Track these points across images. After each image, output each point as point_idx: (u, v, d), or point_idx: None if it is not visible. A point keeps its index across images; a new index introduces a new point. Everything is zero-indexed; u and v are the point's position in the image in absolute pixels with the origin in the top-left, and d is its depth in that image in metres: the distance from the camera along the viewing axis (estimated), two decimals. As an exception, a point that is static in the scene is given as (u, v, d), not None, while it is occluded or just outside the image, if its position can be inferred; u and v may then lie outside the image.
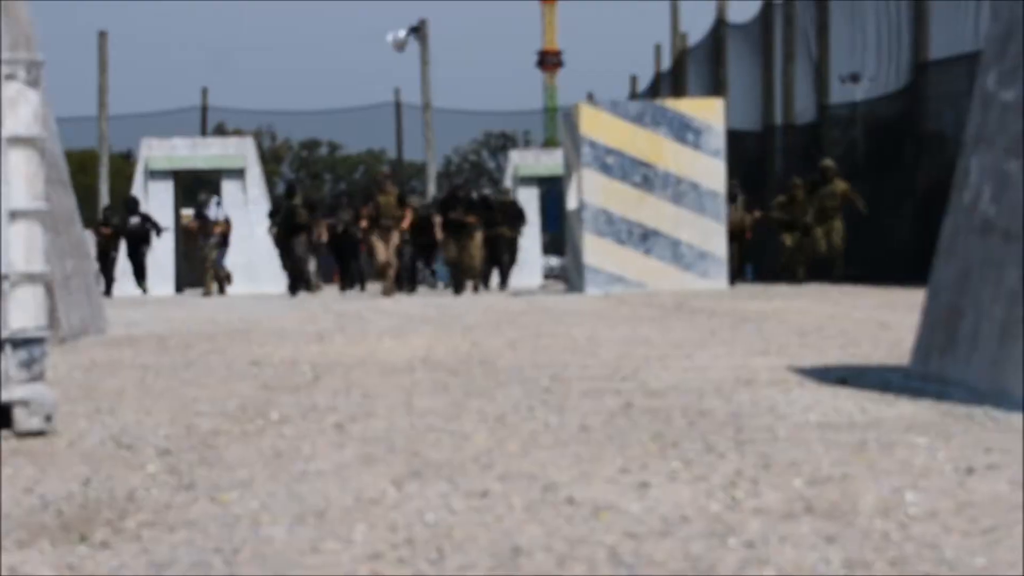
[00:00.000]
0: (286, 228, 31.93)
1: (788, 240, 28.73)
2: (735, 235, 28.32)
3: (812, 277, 28.22)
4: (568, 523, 4.24)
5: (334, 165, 79.90)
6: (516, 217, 34.51)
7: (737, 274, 29.08)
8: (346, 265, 38.22)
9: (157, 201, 41.81)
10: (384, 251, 29.64)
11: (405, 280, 33.59)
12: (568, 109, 30.11)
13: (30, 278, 6.20)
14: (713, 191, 25.33)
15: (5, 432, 6.08)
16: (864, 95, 29.63)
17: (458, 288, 30.84)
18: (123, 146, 53.81)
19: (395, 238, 30.00)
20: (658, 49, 47.05)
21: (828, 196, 27.62)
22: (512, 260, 35.43)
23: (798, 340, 11.22)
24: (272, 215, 34.11)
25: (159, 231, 38.02)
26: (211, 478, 5.09)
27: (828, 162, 28.25)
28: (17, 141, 6.14)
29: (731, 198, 28.40)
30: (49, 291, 11.21)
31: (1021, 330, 6.88)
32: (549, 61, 78.38)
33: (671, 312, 16.04)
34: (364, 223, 30.72)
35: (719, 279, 25.46)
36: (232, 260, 36.24)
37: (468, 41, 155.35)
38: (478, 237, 31.72)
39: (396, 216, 29.77)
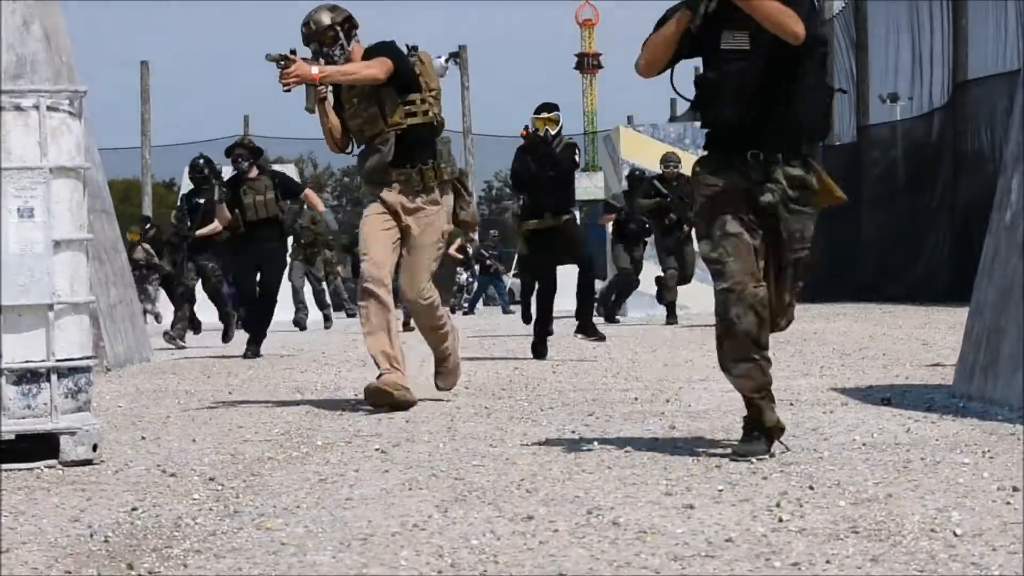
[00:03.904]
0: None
1: None
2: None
3: (855, 296, 28.11)
4: (613, 546, 4.24)
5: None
6: None
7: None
8: None
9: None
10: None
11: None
12: (608, 133, 30.02)
13: (75, 307, 6.24)
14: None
15: (52, 461, 6.11)
16: (903, 114, 29.57)
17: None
18: (166, 175, 53.89)
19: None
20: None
21: None
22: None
23: (840, 361, 11.20)
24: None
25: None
26: (256, 504, 5.11)
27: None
28: (61, 171, 6.18)
29: None
30: (94, 320, 11.27)
31: (1065, 348, 6.86)
32: (589, 64, 78.29)
33: (712, 334, 15.96)
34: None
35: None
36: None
37: (508, 67, 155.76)
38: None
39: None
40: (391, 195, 8.65)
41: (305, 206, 20.81)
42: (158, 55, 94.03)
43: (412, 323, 20.38)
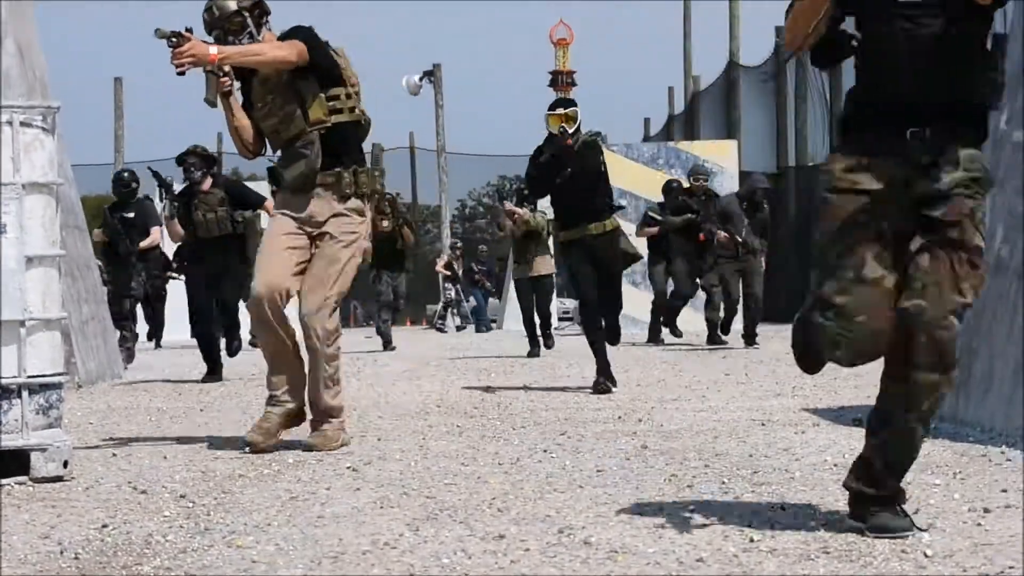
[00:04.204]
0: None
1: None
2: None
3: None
4: (584, 565, 4.24)
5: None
6: None
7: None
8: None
9: (174, 247, 41.75)
10: None
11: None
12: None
13: (47, 323, 6.23)
14: (729, 233, 25.32)
15: (22, 478, 6.09)
16: (877, 136, 29.63)
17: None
18: (139, 192, 53.87)
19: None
20: (671, 91, 47.14)
21: None
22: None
23: (812, 381, 11.20)
24: None
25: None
26: (227, 522, 5.10)
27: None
28: (34, 187, 6.17)
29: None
30: (66, 336, 11.22)
31: (1036, 370, 6.88)
32: (563, 81, 78.52)
33: (685, 354, 16.02)
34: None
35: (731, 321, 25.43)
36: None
37: (482, 85, 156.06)
38: None
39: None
40: (313, 205, 7.46)
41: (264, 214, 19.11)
42: (131, 71, 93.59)
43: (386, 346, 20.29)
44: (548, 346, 17.40)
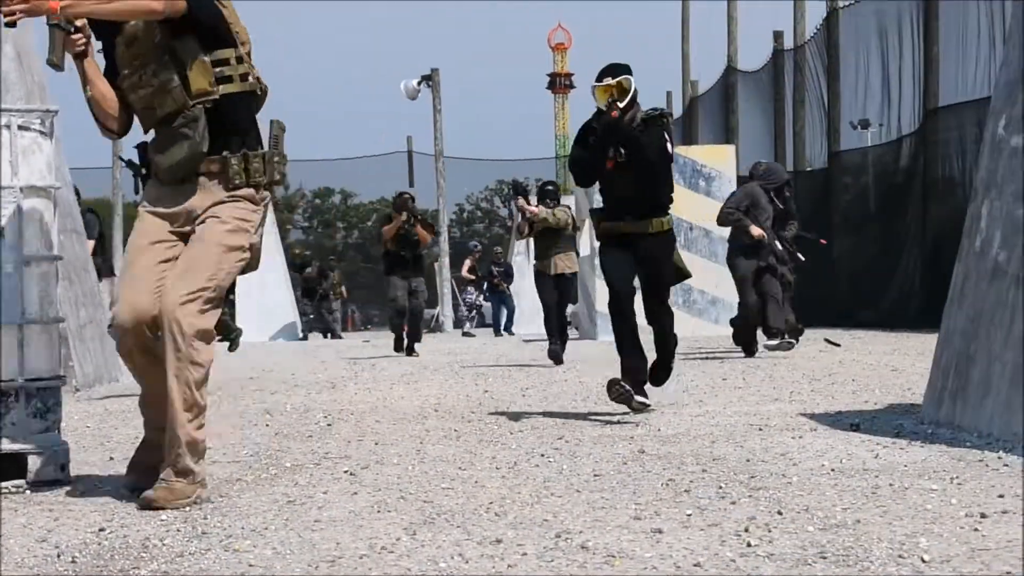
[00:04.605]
0: None
1: None
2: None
3: (825, 322, 28.17)
4: (582, 570, 4.24)
5: (347, 213, 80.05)
6: None
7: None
8: None
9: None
10: None
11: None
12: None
13: (45, 327, 6.22)
14: (724, 238, 25.32)
15: (19, 481, 6.08)
16: (874, 141, 29.65)
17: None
18: (136, 195, 53.71)
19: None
20: (669, 96, 47.19)
21: None
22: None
23: (809, 386, 11.21)
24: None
25: None
26: (225, 526, 5.10)
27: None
28: (32, 190, 6.17)
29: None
30: (64, 340, 11.24)
31: (1033, 375, 6.88)
32: (561, 83, 78.40)
33: (682, 359, 16.01)
34: None
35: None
36: (244, 309, 36.25)
37: (480, 90, 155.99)
38: None
39: None
40: (194, 199, 5.85)
41: None
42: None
43: (409, 352, 19.89)
44: (554, 353, 15.95)
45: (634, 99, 9.09)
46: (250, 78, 5.92)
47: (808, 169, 32.20)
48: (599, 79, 9.12)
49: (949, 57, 25.52)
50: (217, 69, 5.82)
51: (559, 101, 77.93)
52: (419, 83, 39.61)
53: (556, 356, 15.71)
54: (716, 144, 33.06)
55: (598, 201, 9.63)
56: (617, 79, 9.05)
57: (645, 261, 9.14)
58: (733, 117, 36.76)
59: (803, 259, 16.52)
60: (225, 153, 5.84)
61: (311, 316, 35.79)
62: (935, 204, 25.53)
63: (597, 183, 9.40)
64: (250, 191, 5.89)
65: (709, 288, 25.41)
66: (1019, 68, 7.66)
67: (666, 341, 9.35)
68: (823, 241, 19.74)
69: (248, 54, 5.97)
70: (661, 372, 9.44)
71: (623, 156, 9.01)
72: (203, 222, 5.81)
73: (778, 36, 33.87)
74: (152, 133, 5.98)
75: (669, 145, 9.09)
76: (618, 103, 8.96)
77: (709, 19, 57.51)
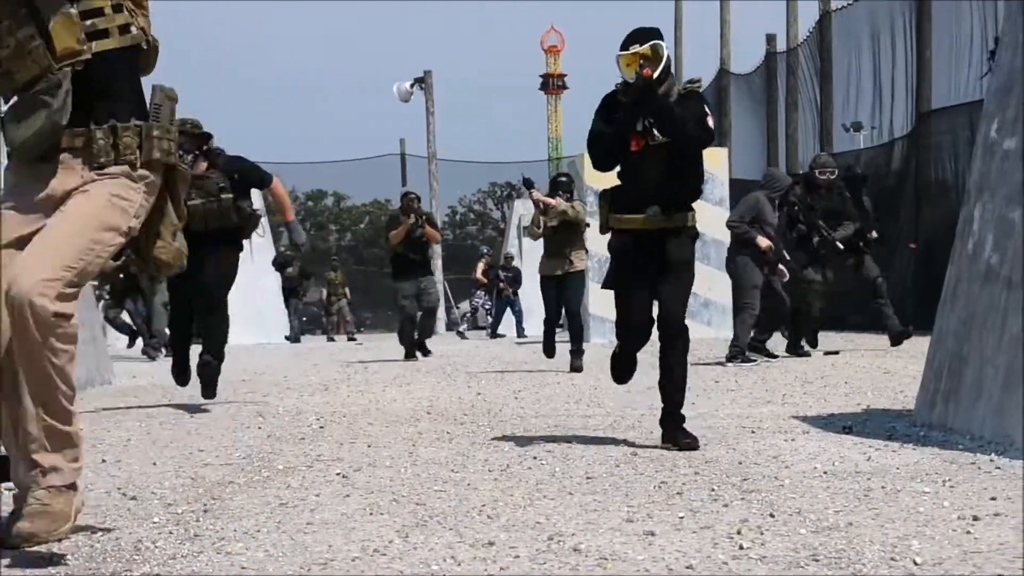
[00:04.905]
0: None
1: None
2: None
3: (824, 326, 28.18)
4: (574, 572, 4.24)
5: (339, 216, 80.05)
6: None
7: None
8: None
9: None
10: None
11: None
12: (572, 159, 30.04)
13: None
14: (717, 241, 25.31)
15: (10, 484, 6.07)
16: (866, 143, 29.68)
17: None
18: None
19: None
20: None
21: None
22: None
23: (802, 388, 11.22)
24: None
25: None
26: (217, 528, 5.09)
27: None
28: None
29: None
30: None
31: (1025, 378, 6.88)
32: (554, 84, 78.39)
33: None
34: None
35: (723, 328, 25.42)
36: (236, 310, 36.20)
37: (472, 92, 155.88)
38: None
39: None
40: (55, 181, 4.76)
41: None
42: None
43: (421, 350, 19.60)
44: (576, 367, 14.70)
45: (668, 69, 7.53)
46: (132, 29, 4.88)
47: (801, 172, 32.21)
48: (624, 47, 7.52)
49: (941, 60, 25.56)
50: (88, 22, 4.78)
51: (552, 102, 77.96)
52: (412, 85, 39.59)
53: (578, 368, 14.68)
54: (709, 147, 33.03)
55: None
56: (647, 45, 7.50)
57: (667, 267, 7.70)
58: (726, 120, 36.75)
59: (847, 258, 16.40)
60: (92, 125, 4.79)
61: (301, 318, 35.77)
62: (927, 206, 25.55)
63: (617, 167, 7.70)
64: (124, 168, 4.79)
65: (702, 291, 25.41)
66: (1009, 72, 7.66)
67: (679, 385, 7.73)
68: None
69: (139, 3, 4.95)
70: (670, 422, 7.63)
71: (654, 135, 7.47)
72: (71, 197, 4.74)
73: (771, 39, 33.88)
74: (13, 101, 4.89)
75: (710, 120, 7.58)
76: (648, 67, 7.40)
77: (702, 21, 57.62)
